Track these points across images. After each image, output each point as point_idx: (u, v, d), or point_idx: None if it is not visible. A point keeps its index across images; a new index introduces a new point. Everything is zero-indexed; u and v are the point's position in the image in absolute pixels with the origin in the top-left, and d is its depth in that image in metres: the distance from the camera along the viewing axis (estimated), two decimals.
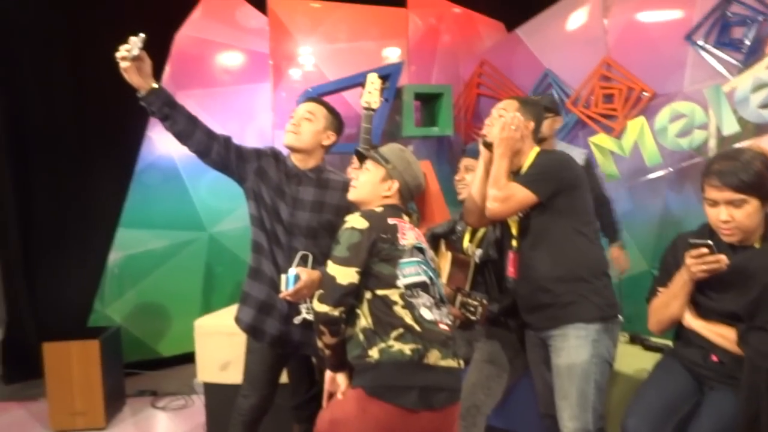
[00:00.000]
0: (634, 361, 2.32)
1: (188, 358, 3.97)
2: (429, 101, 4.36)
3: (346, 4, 4.69)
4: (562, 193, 1.99)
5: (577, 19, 3.98)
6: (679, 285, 1.88)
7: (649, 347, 2.48)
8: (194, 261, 4.27)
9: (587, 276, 1.99)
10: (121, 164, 4.08)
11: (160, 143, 4.06)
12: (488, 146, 2.09)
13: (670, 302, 1.91)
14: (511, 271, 2.09)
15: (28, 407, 3.55)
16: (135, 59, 1.93)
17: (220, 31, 4.34)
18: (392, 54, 4.58)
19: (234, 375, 2.91)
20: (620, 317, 2.05)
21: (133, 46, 1.92)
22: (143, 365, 4.14)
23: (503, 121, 2.04)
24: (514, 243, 2.09)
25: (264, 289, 2.18)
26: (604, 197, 2.99)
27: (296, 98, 4.14)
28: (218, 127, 4.16)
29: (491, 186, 1.99)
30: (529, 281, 2.04)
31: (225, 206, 4.23)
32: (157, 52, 4.04)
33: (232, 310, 3.31)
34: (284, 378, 2.43)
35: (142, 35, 1.93)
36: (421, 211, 4.28)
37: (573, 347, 1.95)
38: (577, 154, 2.55)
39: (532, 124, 2.09)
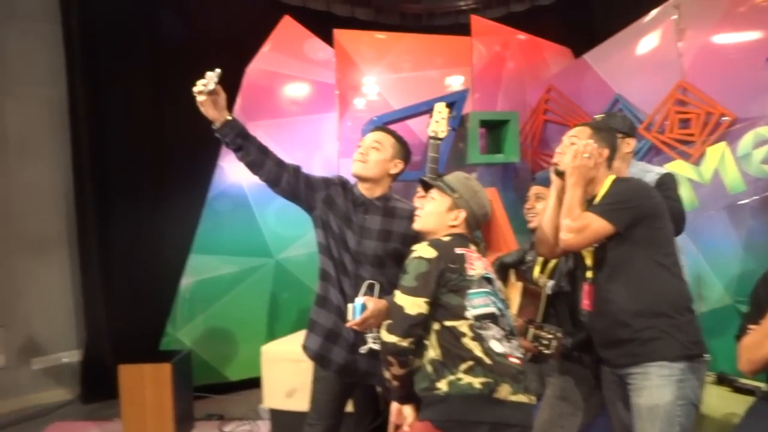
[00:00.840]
0: (723, 403, 2.16)
1: (255, 383, 4.03)
2: (494, 128, 4.32)
3: (410, 34, 4.75)
4: (641, 222, 1.90)
5: (648, 43, 3.86)
6: None
7: (739, 389, 2.31)
8: (261, 287, 4.36)
9: (669, 311, 1.88)
10: (195, 192, 4.25)
11: (231, 172, 4.21)
12: (560, 175, 2.03)
13: (763, 341, 1.78)
14: (586, 303, 2.00)
15: (103, 427, 3.68)
16: (211, 93, 2.00)
17: (289, 64, 4.48)
18: (456, 82, 4.59)
19: (300, 402, 2.92)
20: (706, 356, 1.92)
21: (209, 80, 1.99)
22: (211, 389, 4.22)
23: (575, 148, 1.98)
24: (589, 274, 2.01)
25: (331, 317, 2.19)
26: (681, 213, 2.46)
27: (362, 127, 4.20)
28: (286, 157, 4.32)
29: (564, 216, 1.93)
30: (606, 315, 1.95)
31: (291, 233, 4.31)
32: (230, 85, 4.29)
33: (299, 336, 3.35)
34: (350, 407, 2.41)
35: (218, 70, 2.00)
36: (487, 240, 4.22)
37: (655, 387, 1.84)
38: (654, 174, 2.42)
39: (606, 152, 2.02)
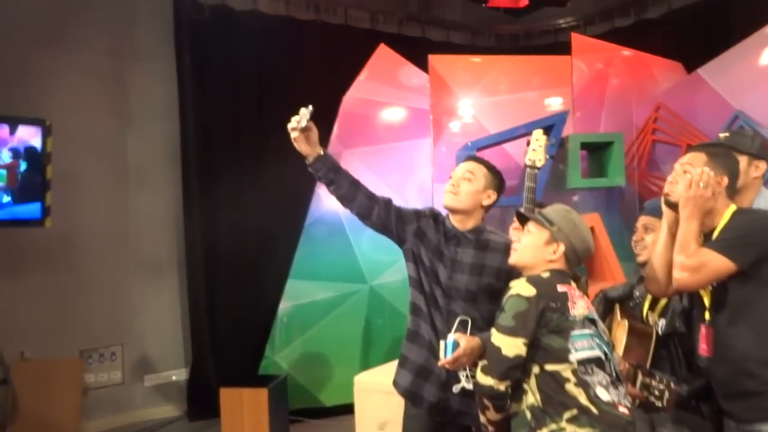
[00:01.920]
0: None
1: (349, 409, 4.03)
2: (597, 150, 4.10)
3: (506, 56, 4.66)
4: None
5: None
6: None
7: None
8: (356, 312, 4.39)
9: None
10: (294, 219, 4.38)
11: (327, 199, 4.28)
12: (672, 206, 1.85)
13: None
14: (703, 348, 1.80)
15: None
16: (304, 130, 2.03)
17: (384, 91, 4.53)
18: (555, 102, 4.42)
19: None
20: None
21: (302, 117, 2.02)
22: (307, 413, 4.27)
23: (689, 177, 1.80)
24: (707, 315, 1.80)
25: (422, 352, 2.12)
26: None
27: (456, 152, 4.15)
28: (380, 182, 4.39)
29: (678, 252, 1.75)
30: (729, 362, 1.74)
31: (385, 259, 4.31)
32: (327, 113, 4.42)
33: (392, 366, 3.29)
34: None
35: (310, 107, 2.03)
36: (590, 269, 3.99)
37: None
38: None
39: (725, 180, 1.81)
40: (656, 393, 1.80)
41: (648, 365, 2.02)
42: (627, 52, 4.56)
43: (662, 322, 2.07)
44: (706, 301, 1.81)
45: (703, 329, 1.81)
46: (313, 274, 4.33)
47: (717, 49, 3.88)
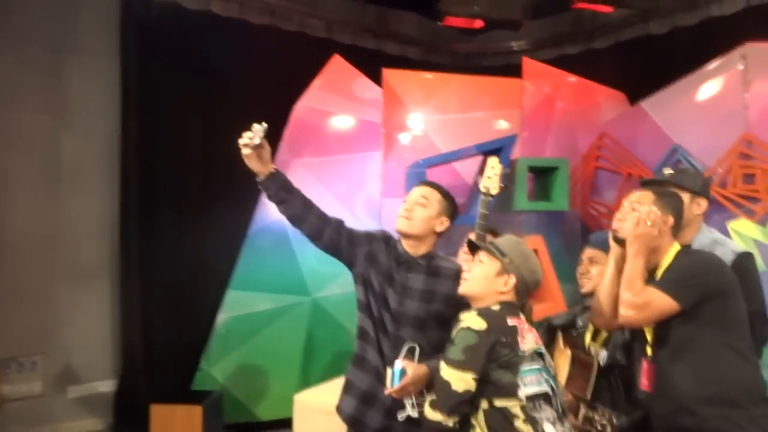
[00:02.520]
0: None
1: (285, 424, 3.94)
2: (543, 174, 4.19)
3: (459, 75, 4.69)
4: (710, 300, 1.74)
5: (712, 92, 3.70)
6: None
7: None
8: (297, 325, 4.29)
9: (742, 401, 1.70)
10: (236, 228, 4.24)
11: (273, 209, 4.16)
12: (620, 242, 1.89)
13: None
14: (644, 383, 1.84)
15: None
16: (256, 147, 1.96)
17: (337, 102, 4.48)
18: (504, 124, 4.49)
19: None
20: None
21: (255, 134, 1.95)
22: (242, 428, 4.14)
23: (637, 215, 1.84)
24: (649, 351, 1.85)
25: (368, 378, 2.08)
26: (762, 315, 2.11)
27: (406, 168, 4.14)
28: (328, 193, 4.33)
29: (625, 289, 1.79)
30: (668, 399, 1.78)
31: (329, 271, 4.21)
32: (277, 121, 4.32)
33: (333, 385, 3.26)
34: None
35: (264, 125, 1.96)
36: None
37: None
38: (728, 251, 2.07)
39: (671, 219, 1.87)
40: (598, 427, 1.83)
41: (588, 395, 2.05)
42: (574, 78, 4.69)
43: (604, 354, 2.11)
44: (649, 337, 1.85)
45: (644, 364, 1.85)
46: (254, 285, 4.20)
47: (658, 82, 4.04)
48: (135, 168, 4.25)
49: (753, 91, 3.48)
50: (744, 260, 2.08)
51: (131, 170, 4.26)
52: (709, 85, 3.72)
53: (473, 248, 1.90)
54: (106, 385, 4.35)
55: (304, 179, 4.41)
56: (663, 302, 1.75)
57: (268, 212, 4.22)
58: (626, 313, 1.77)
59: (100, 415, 4.30)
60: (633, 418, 1.97)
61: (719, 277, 1.79)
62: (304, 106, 4.37)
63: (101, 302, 4.36)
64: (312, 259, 4.28)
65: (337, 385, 3.21)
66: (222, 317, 4.15)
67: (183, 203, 4.38)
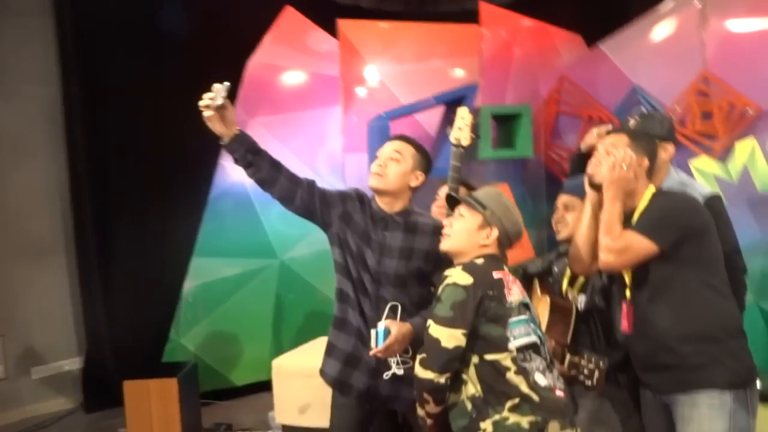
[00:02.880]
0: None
1: (262, 387, 3.93)
2: (506, 121, 4.16)
3: (416, 23, 4.56)
4: (688, 241, 1.76)
5: (669, 32, 3.69)
6: None
7: None
8: (266, 289, 4.22)
9: (720, 335, 1.75)
10: (197, 192, 4.09)
11: (233, 171, 4.04)
12: (596, 187, 1.88)
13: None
14: (624, 325, 1.86)
15: None
16: (219, 108, 1.84)
17: (291, 57, 4.30)
18: (464, 73, 4.41)
19: (313, 418, 2.81)
20: (758, 383, 1.79)
21: (216, 94, 1.83)
22: (217, 395, 4.11)
23: (612, 159, 1.83)
24: (628, 294, 1.87)
25: (350, 340, 2.05)
26: (736, 260, 2.17)
27: (367, 121, 4.04)
28: (288, 152, 4.20)
29: (604, 235, 1.79)
30: (648, 338, 1.82)
31: (296, 232, 4.17)
32: (231, 79, 4.10)
33: (311, 348, 3.24)
34: None
35: (227, 84, 1.84)
36: None
37: (705, 418, 1.71)
38: (696, 194, 2.11)
39: (646, 162, 1.86)
40: (586, 372, 1.85)
41: (569, 340, 2.08)
42: (529, 22, 4.61)
43: (582, 298, 2.13)
44: (627, 280, 1.87)
45: (624, 306, 1.87)
46: (219, 251, 4.09)
47: (614, 23, 4.01)
48: (82, 135, 4.02)
49: (710, 29, 3.48)
50: (713, 202, 2.13)
51: (78, 138, 4.04)
52: (666, 24, 3.71)
53: (452, 202, 1.86)
54: (73, 364, 4.24)
55: (262, 139, 4.18)
56: (642, 245, 1.75)
57: (228, 175, 4.09)
58: (606, 258, 1.78)
59: (69, 395, 4.21)
60: (613, 359, 2.01)
61: (696, 216, 1.80)
62: (257, 63, 4.18)
63: (59, 278, 4.20)
64: (277, 220, 4.19)
65: (313, 347, 3.22)
66: (188, 285, 4.04)
67: (137, 170, 4.19)
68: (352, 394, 2.06)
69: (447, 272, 1.69)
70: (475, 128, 2.24)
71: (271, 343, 4.20)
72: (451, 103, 3.89)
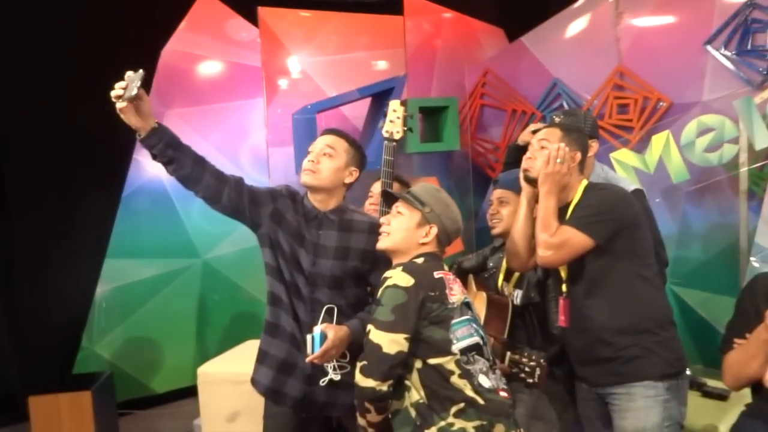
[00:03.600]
0: (697, 413, 2.11)
1: (185, 394, 3.74)
2: (432, 114, 4.15)
3: (339, 13, 4.45)
4: (621, 233, 1.78)
5: (587, 27, 3.80)
6: (757, 345, 1.69)
7: (709, 394, 2.28)
8: (188, 290, 4.03)
9: (653, 327, 1.79)
10: (107, 189, 3.82)
11: (149, 166, 3.79)
12: (531, 182, 1.88)
13: (748, 362, 1.71)
14: (562, 320, 1.88)
15: None
16: (133, 99, 1.67)
17: (209, 45, 4.10)
18: (389, 65, 4.37)
19: (242, 426, 2.68)
20: (688, 371, 1.85)
21: (129, 84, 1.66)
22: (136, 404, 3.86)
23: (547, 153, 1.83)
24: (564, 288, 1.88)
25: (284, 346, 1.94)
26: (660, 252, 2.25)
27: (292, 114, 3.91)
28: (209, 146, 3.99)
29: (541, 230, 1.78)
30: (585, 332, 1.84)
31: (219, 230, 3.99)
32: (144, 69, 3.84)
33: (237, 353, 3.10)
34: None
35: (141, 72, 1.67)
36: None
37: (641, 409, 1.75)
38: (623, 184, 2.21)
39: (578, 155, 1.88)
40: (527, 370, 1.84)
41: (506, 335, 2.08)
42: (451, 14, 4.62)
43: (517, 293, 2.13)
44: (563, 274, 1.88)
45: (561, 301, 1.88)
46: (135, 251, 3.85)
47: (535, 18, 4.10)
48: None
49: (623, 24, 3.61)
50: (637, 196, 2.17)
51: None
52: (583, 19, 3.81)
53: (389, 199, 1.80)
54: None
55: (181, 132, 3.92)
56: (579, 240, 1.76)
57: (144, 171, 3.85)
58: (544, 254, 1.78)
59: None
60: (550, 353, 2.02)
61: (628, 209, 1.83)
62: (172, 51, 3.95)
63: None
64: (199, 218, 3.99)
65: (241, 351, 3.07)
66: (101, 289, 3.78)
67: (40, 165, 3.83)
68: (287, 403, 1.95)
69: (387, 273, 1.62)
70: (406, 121, 2.18)
71: (195, 347, 4.00)
72: (379, 95, 3.83)
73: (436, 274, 1.63)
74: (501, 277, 2.19)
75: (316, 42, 4.19)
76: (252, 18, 4.00)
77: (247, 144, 4.18)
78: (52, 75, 3.84)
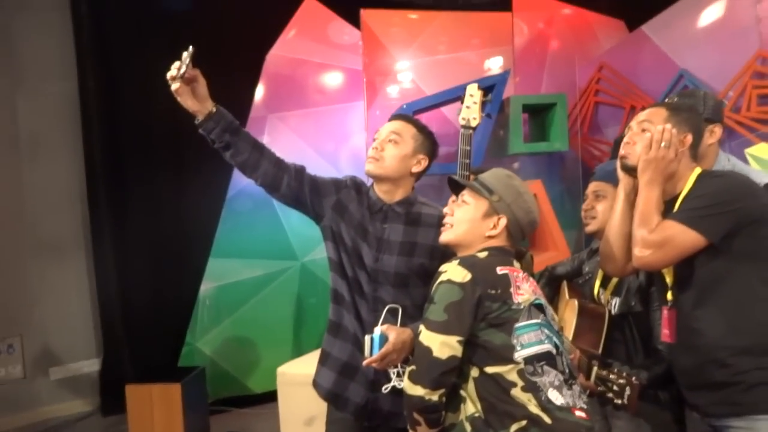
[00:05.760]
0: None
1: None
2: (539, 113, 3.88)
3: (444, 12, 4.32)
4: (743, 230, 1.44)
5: (719, 9, 3.35)
6: None
7: None
8: (286, 292, 4.05)
9: None
10: (214, 190, 3.95)
11: None
12: (630, 171, 1.59)
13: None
14: (666, 334, 1.56)
15: None
16: (186, 79, 1.64)
17: (313, 49, 4.14)
18: (496, 63, 4.15)
19: (320, 430, 2.59)
20: None
21: (182, 63, 1.64)
22: (234, 402, 3.94)
23: (648, 136, 1.54)
24: (669, 296, 1.56)
25: (346, 347, 1.81)
26: None
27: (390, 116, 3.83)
28: (309, 149, 4.01)
29: (639, 226, 1.49)
30: (695, 350, 1.51)
31: (317, 234, 3.92)
32: (250, 73, 3.96)
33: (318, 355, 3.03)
34: None
35: (191, 49, 1.65)
36: (530, 239, 3.78)
37: None
38: (755, 178, 1.75)
39: (689, 138, 1.56)
40: (615, 389, 1.56)
41: (600, 350, 1.79)
42: (568, 9, 4.32)
43: (615, 301, 1.84)
44: (668, 280, 1.56)
45: (665, 312, 1.57)
46: (237, 252, 3.94)
47: (661, 5, 3.68)
48: (98, 130, 3.94)
49: (765, 3, 3.13)
50: None
51: (93, 132, 3.95)
52: (716, 2, 3.36)
53: (456, 187, 1.61)
54: (91, 365, 4.16)
55: (282, 135, 4.13)
56: (686, 237, 1.45)
57: None
58: (642, 254, 1.48)
59: (86, 397, 4.12)
60: (654, 372, 1.70)
61: (752, 200, 1.47)
62: (277, 56, 4.04)
63: (77, 278, 4.13)
64: (297, 221, 3.98)
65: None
66: (205, 288, 3.91)
67: (154, 166, 4.07)
68: (349, 409, 1.82)
69: (442, 267, 1.43)
70: (486, 106, 1.97)
71: (291, 348, 4.01)
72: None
73: (500, 270, 1.42)
74: (597, 283, 1.91)
75: (419, 43, 4.09)
76: (354, 20, 3.99)
77: (347, 147, 4.16)
78: (164, 79, 4.06)
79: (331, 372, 1.84)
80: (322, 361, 1.89)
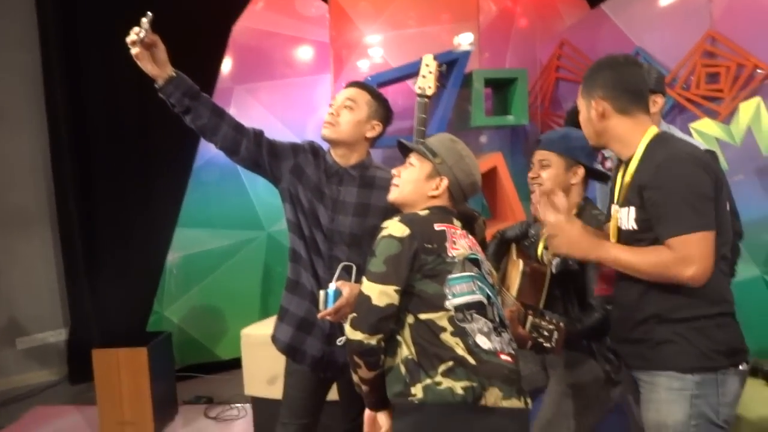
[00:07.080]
0: (758, 402, 1.84)
1: None
2: (501, 88, 3.97)
3: None
4: None
5: None
6: None
7: None
8: (253, 261, 4.12)
9: (696, 311, 1.50)
10: (181, 161, 3.98)
11: None
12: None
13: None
14: (602, 288, 1.68)
15: (84, 412, 3.49)
16: (146, 45, 1.69)
17: (280, 21, 4.15)
18: (463, 39, 4.21)
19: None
20: (743, 366, 1.54)
21: (141, 28, 1.69)
22: (201, 368, 4.02)
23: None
24: None
25: (303, 304, 1.91)
26: (734, 213, 2.11)
27: None
28: (277, 121, 4.04)
29: (648, 271, 1.48)
30: (622, 306, 1.62)
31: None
32: (216, 44, 3.96)
33: None
34: (335, 395, 2.13)
35: (149, 15, 1.69)
36: (492, 209, 3.91)
37: (663, 402, 1.51)
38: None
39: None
40: (545, 334, 1.68)
41: (542, 305, 1.92)
42: None
43: (556, 261, 1.96)
44: (612, 238, 1.65)
45: (604, 268, 1.68)
46: (204, 222, 3.99)
47: None
48: (61, 101, 3.90)
49: None
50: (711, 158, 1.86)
51: (57, 104, 3.92)
52: None
53: (404, 150, 1.70)
54: (58, 335, 4.19)
55: (249, 107, 4.16)
56: (698, 240, 1.42)
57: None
58: (686, 274, 1.42)
59: (54, 366, 4.16)
60: (587, 324, 1.83)
61: (707, 178, 1.47)
62: (244, 27, 4.05)
63: (43, 249, 4.14)
64: (264, 191, 4.05)
65: None
66: (172, 257, 3.96)
67: (119, 136, 4.07)
68: (306, 362, 1.92)
69: (384, 224, 1.54)
70: (441, 76, 2.06)
71: (258, 316, 4.08)
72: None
73: (437, 226, 1.52)
74: (541, 244, 2.03)
75: (386, 16, 4.12)
76: None
77: (313, 119, 4.20)
78: (126, 49, 4.05)
79: (289, 327, 1.93)
80: (281, 317, 1.98)
